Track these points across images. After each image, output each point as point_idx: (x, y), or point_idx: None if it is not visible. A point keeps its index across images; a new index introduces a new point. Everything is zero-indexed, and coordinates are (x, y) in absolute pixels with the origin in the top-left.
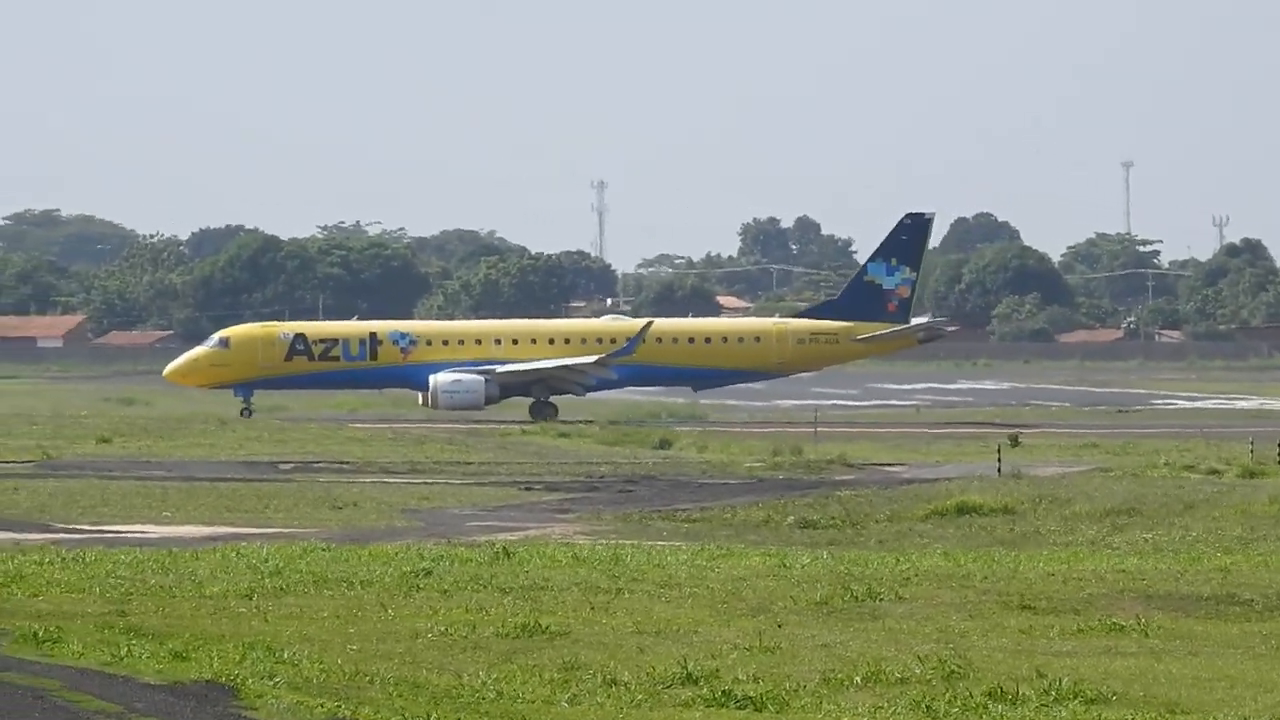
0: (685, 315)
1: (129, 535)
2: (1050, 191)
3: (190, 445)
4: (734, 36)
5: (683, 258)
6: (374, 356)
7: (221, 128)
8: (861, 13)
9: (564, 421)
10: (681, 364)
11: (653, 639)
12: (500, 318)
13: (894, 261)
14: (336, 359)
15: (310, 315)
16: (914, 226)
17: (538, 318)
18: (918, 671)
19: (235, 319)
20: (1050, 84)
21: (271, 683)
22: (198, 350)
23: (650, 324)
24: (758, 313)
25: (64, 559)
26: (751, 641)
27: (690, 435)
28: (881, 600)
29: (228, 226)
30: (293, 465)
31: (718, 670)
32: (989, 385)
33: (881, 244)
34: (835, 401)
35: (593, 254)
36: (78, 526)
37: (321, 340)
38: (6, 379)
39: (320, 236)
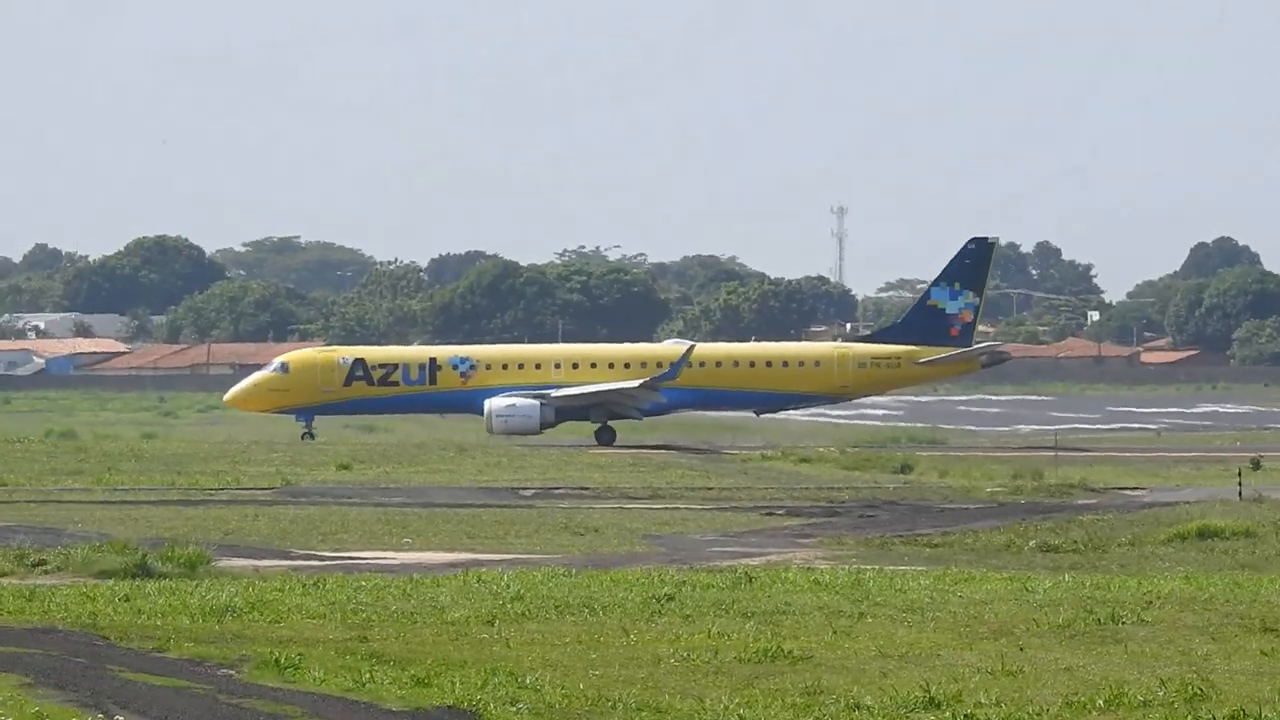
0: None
1: (369, 561)
2: None
3: (430, 471)
4: (969, 63)
5: (923, 282)
6: (433, 381)
7: (459, 155)
8: (1118, 31)
9: (804, 446)
10: (743, 388)
11: (895, 663)
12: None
13: (957, 286)
14: (396, 384)
15: (550, 341)
16: (978, 251)
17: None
18: (1160, 695)
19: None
20: None
21: (514, 708)
22: (258, 375)
23: (693, 348)
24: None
25: (304, 585)
26: (993, 665)
27: (931, 460)
28: (1123, 624)
29: (467, 253)
30: (533, 491)
31: (960, 694)
32: (1229, 409)
33: (945, 268)
34: (1075, 425)
35: (832, 279)
36: (318, 553)
37: (381, 365)
38: None
39: (560, 262)
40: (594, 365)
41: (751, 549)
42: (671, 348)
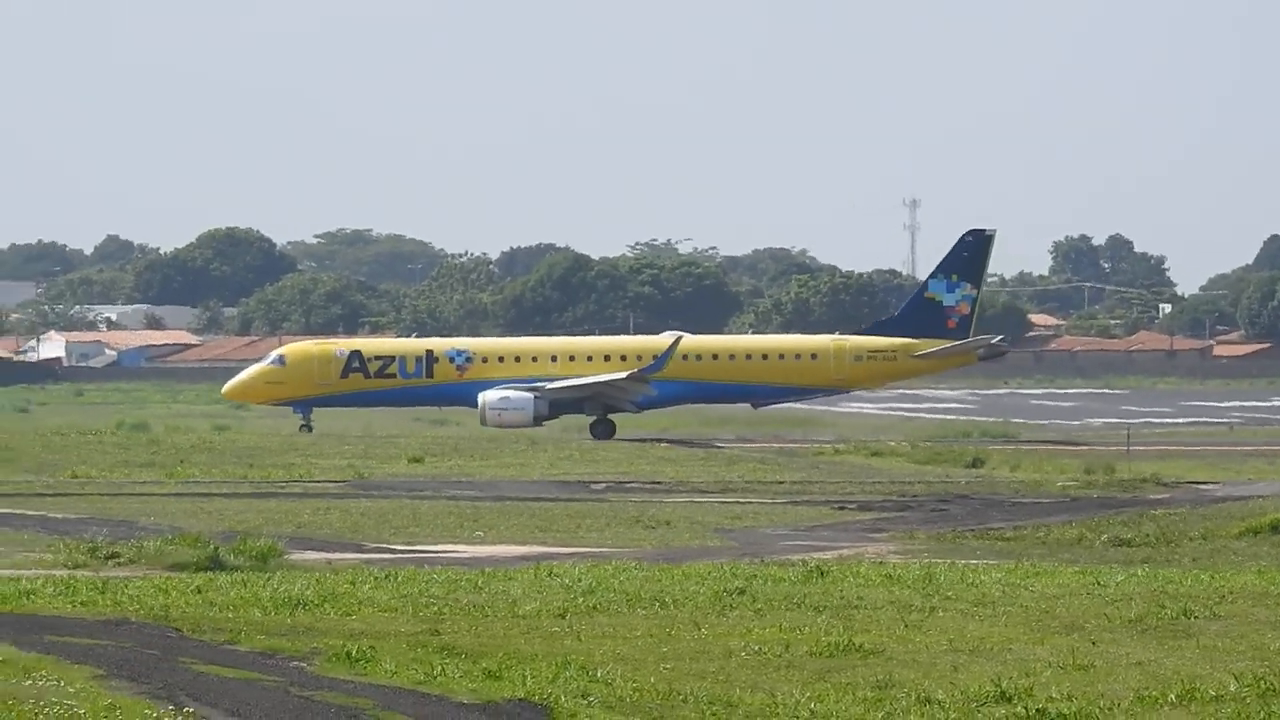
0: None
1: (441, 555)
2: None
3: (502, 465)
4: (1046, 55)
5: (995, 275)
6: (430, 374)
7: (532, 147)
8: (1186, 29)
9: (876, 440)
10: (740, 380)
11: (966, 657)
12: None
13: (955, 278)
14: (393, 376)
15: (621, 334)
16: (975, 244)
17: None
18: (1233, 689)
19: None
20: None
21: (584, 702)
22: (256, 368)
23: (680, 339)
24: (1069, 330)
25: (376, 578)
26: (1065, 659)
27: (1003, 454)
28: (1195, 618)
29: (538, 245)
30: (605, 485)
31: (1031, 688)
32: None
33: (942, 260)
34: (1147, 419)
35: (904, 272)
36: (390, 546)
37: (378, 358)
38: None
39: (631, 255)
40: (590, 358)
41: (823, 543)
42: (668, 340)
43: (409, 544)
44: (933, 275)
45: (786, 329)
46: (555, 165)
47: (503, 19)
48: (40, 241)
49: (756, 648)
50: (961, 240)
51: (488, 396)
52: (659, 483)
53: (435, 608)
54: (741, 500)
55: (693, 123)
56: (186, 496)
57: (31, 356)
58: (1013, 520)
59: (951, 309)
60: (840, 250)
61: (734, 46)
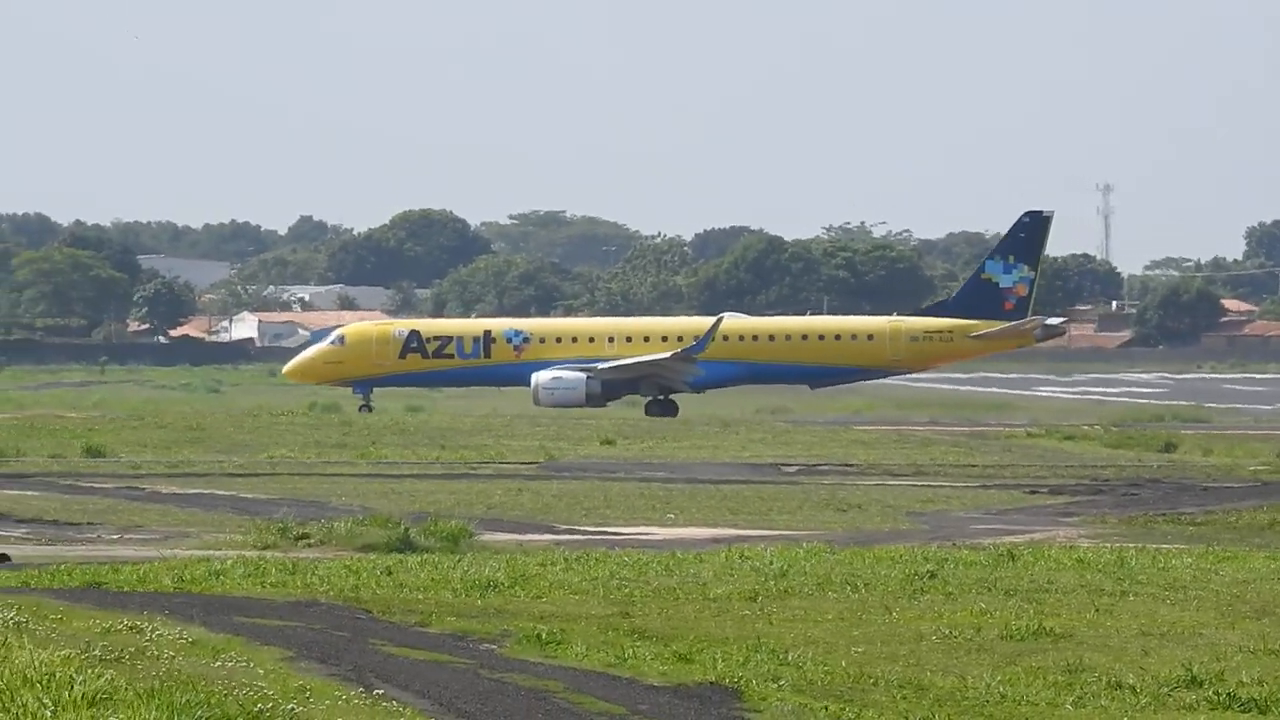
0: (1185, 321)
1: (631, 537)
2: None
3: (693, 447)
4: (1226, 34)
5: (1190, 260)
6: (488, 354)
7: (727, 128)
8: None
9: (1068, 424)
10: (796, 361)
11: (1157, 641)
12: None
13: (1012, 259)
14: (451, 356)
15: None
16: (1033, 225)
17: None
18: None
19: None
20: None
21: (775, 685)
22: (315, 348)
23: (721, 319)
24: (1262, 315)
25: (567, 560)
26: (1256, 644)
27: (1195, 438)
28: None
29: (732, 227)
30: (797, 467)
31: (1222, 673)
32: None
33: (1000, 242)
34: None
35: (1098, 257)
36: (580, 528)
37: (436, 338)
38: None
39: (825, 238)
40: (646, 339)
41: (1014, 526)
42: (726, 321)
43: (600, 526)
44: (990, 256)
45: None
46: (750, 147)
47: (692, 8)
48: (234, 222)
49: (947, 631)
50: (1019, 221)
51: (540, 377)
52: (851, 465)
53: (626, 590)
54: (933, 484)
55: (887, 106)
56: (378, 478)
57: (224, 337)
58: (1204, 505)
59: (1009, 290)
60: None
61: (925, 28)
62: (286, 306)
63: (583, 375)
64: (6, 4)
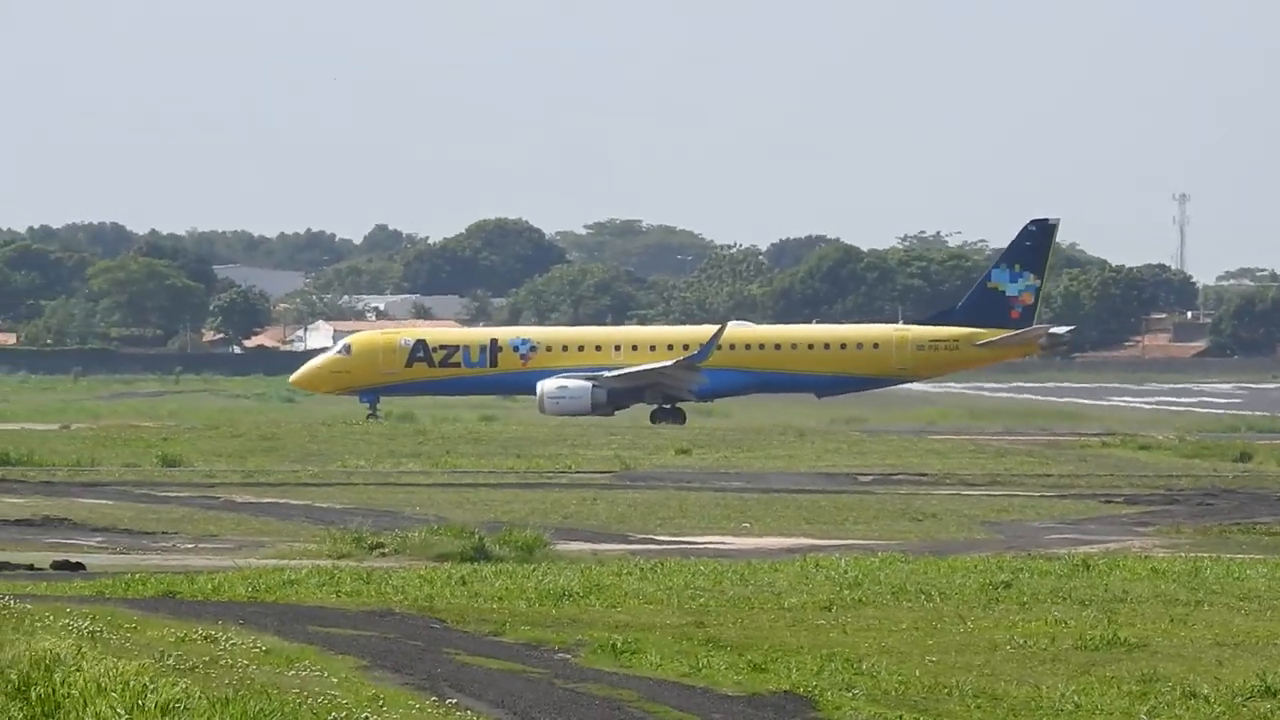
0: (1260, 331)
1: (707, 546)
2: None
3: (769, 457)
4: None
5: (1265, 270)
6: (494, 363)
7: (799, 139)
8: None
9: (1143, 434)
10: (802, 370)
11: (1232, 651)
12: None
13: (1017, 268)
14: (457, 365)
15: None
16: (1039, 233)
17: (1114, 330)
18: None
19: None
20: None
21: (850, 694)
22: (322, 357)
23: (724, 327)
24: None
25: (642, 570)
26: None
27: (1270, 448)
28: None
29: (808, 237)
30: (872, 477)
31: None
32: None
33: (1005, 250)
34: None
35: (1173, 267)
36: (655, 537)
37: (442, 347)
38: None
39: (900, 247)
40: (653, 348)
41: (1089, 536)
42: (732, 330)
43: (675, 535)
44: (995, 265)
45: (1055, 323)
46: (827, 156)
47: (779, 8)
48: (309, 231)
49: (1021, 641)
50: (1025, 230)
51: (546, 385)
52: (926, 475)
53: (700, 600)
54: (1008, 493)
55: (963, 115)
56: (452, 487)
57: (299, 346)
58: (1279, 515)
59: (1014, 299)
60: (1108, 244)
61: (999, 36)
62: (361, 316)
63: (588, 384)
64: (83, 17)
